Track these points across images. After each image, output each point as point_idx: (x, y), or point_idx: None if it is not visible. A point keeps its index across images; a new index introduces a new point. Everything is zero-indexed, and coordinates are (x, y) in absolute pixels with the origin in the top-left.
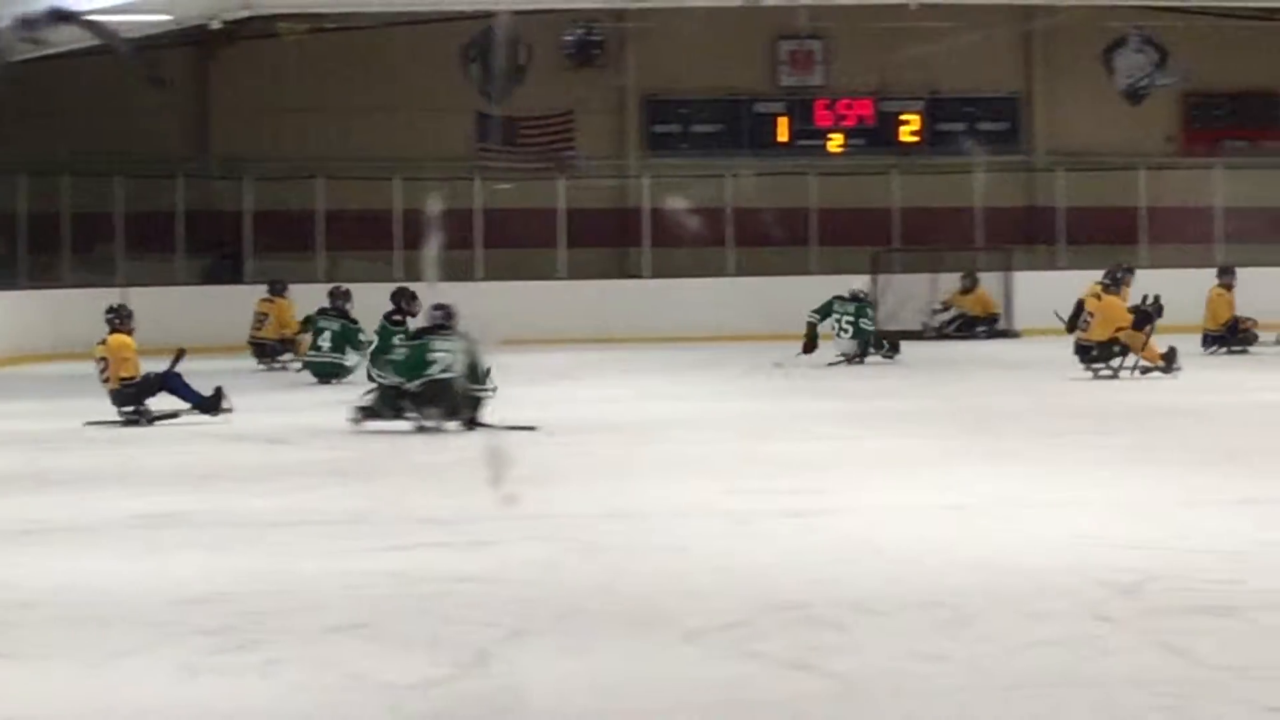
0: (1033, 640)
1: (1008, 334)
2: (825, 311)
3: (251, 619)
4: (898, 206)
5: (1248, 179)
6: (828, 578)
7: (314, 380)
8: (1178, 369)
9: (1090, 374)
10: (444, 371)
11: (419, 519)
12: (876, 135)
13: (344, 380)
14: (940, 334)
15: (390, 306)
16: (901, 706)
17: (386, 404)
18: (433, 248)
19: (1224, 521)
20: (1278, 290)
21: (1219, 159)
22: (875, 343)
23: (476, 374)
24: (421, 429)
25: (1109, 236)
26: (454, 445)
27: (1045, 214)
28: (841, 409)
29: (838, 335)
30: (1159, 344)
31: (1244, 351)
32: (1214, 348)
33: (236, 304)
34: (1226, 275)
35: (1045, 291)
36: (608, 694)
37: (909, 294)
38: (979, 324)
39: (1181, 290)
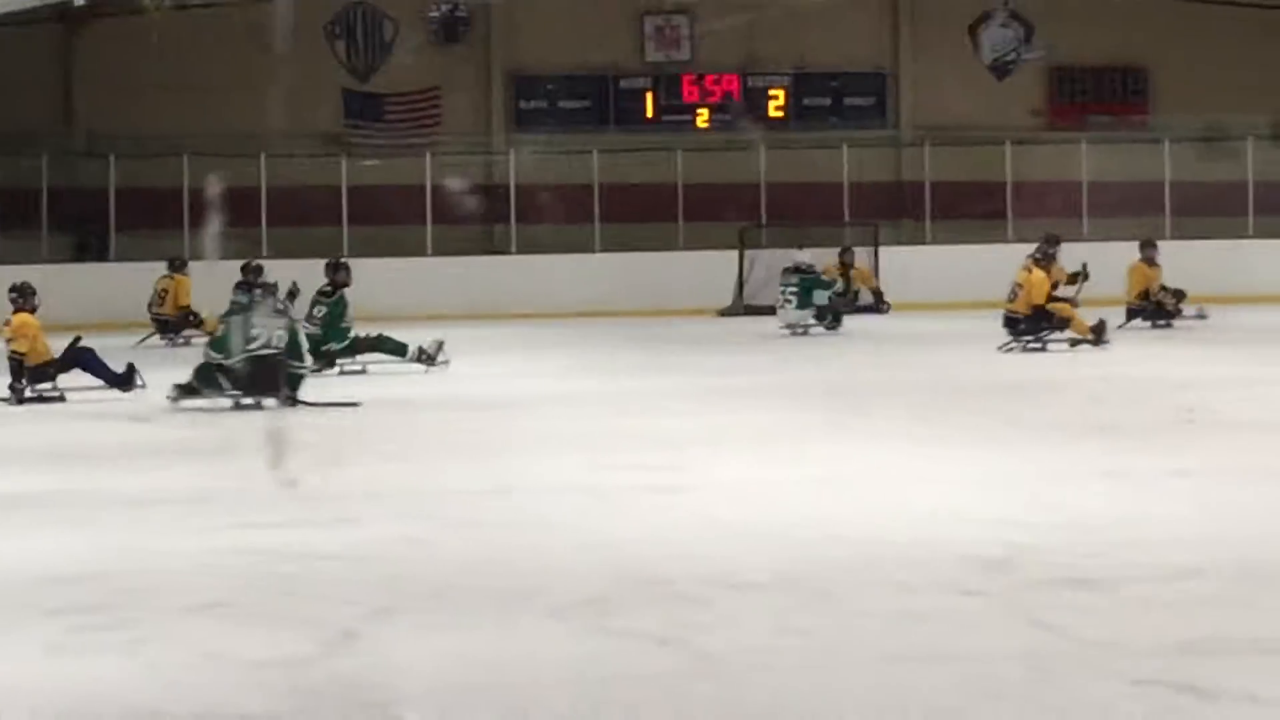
0: (900, 614)
1: (879, 308)
2: (785, 284)
3: (114, 598)
4: (765, 182)
5: (1113, 153)
6: (693, 553)
7: None
8: (1106, 342)
9: (1019, 346)
10: (264, 348)
11: (285, 497)
12: (744, 110)
13: None
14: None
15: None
16: (768, 681)
17: (206, 381)
18: (214, 225)
19: (1092, 495)
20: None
21: (1085, 133)
22: (820, 314)
23: (298, 350)
24: (239, 406)
25: (976, 211)
26: (323, 423)
27: (912, 189)
28: (706, 384)
29: (783, 306)
30: (1089, 317)
31: (1168, 325)
32: (1134, 321)
33: (103, 281)
34: (1149, 249)
35: (912, 266)
36: (474, 670)
37: (776, 268)
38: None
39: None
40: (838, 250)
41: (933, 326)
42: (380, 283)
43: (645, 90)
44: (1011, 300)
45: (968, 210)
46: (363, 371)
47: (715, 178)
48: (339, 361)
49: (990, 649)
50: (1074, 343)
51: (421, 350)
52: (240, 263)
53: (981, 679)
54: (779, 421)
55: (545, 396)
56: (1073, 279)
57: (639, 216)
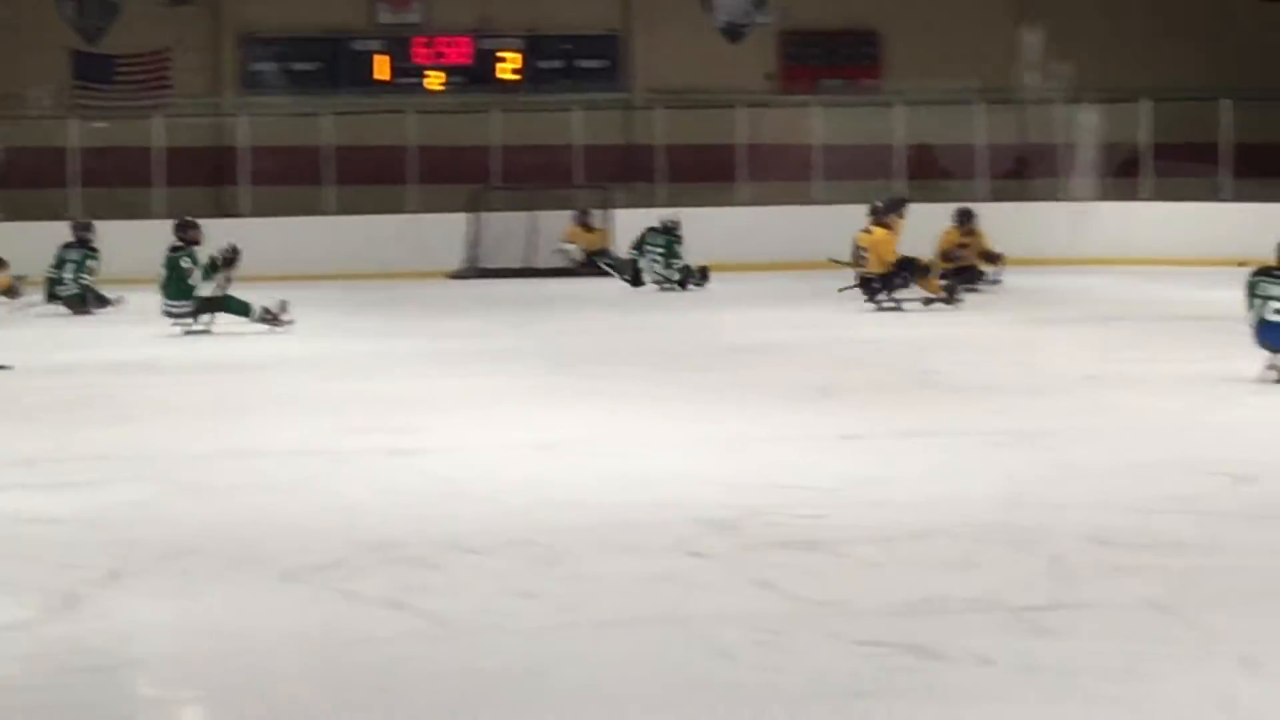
0: (628, 577)
1: (618, 271)
2: (640, 245)
3: None
4: (498, 145)
5: (845, 117)
6: (426, 516)
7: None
8: (959, 300)
9: (874, 306)
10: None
11: (10, 461)
12: (476, 73)
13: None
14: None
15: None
16: (497, 644)
17: None
18: None
19: (822, 457)
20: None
21: (817, 97)
22: (686, 272)
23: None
24: None
25: (708, 174)
26: (42, 385)
27: (644, 152)
28: (443, 348)
29: (650, 264)
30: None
31: (974, 290)
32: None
33: None
34: (967, 220)
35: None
36: (205, 635)
37: (508, 231)
38: (600, 261)
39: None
40: (573, 214)
41: (670, 289)
42: (112, 245)
43: (377, 53)
44: (860, 264)
45: (699, 173)
46: (207, 332)
47: (447, 141)
48: (181, 321)
49: (718, 610)
50: (927, 301)
51: (266, 310)
52: None
53: (707, 641)
54: (515, 385)
55: (281, 360)
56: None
57: (372, 179)
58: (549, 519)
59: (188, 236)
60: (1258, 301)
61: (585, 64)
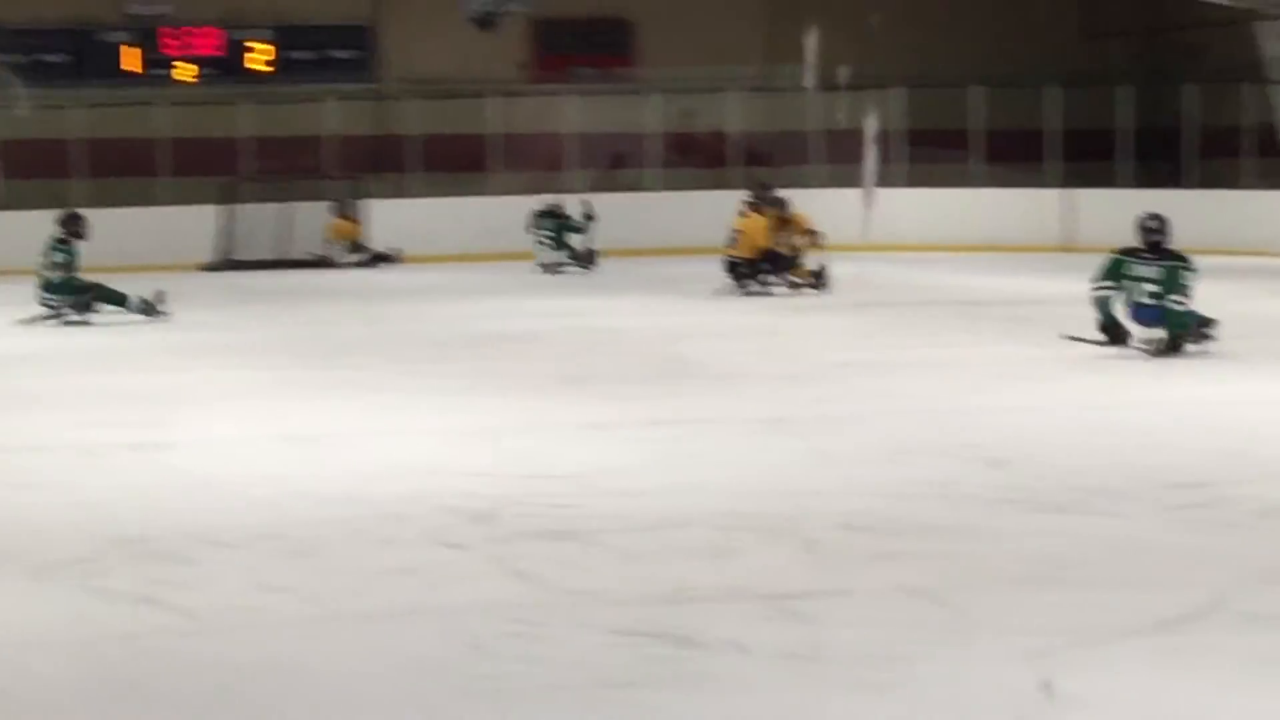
0: (381, 570)
1: (387, 259)
2: (530, 228)
3: None
4: (249, 136)
5: (598, 105)
6: (173, 510)
7: None
8: (828, 284)
9: (741, 289)
10: None
11: None
12: (227, 64)
13: None
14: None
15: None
16: (251, 638)
17: None
18: None
19: (575, 446)
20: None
21: (570, 86)
22: (574, 255)
23: None
24: None
25: (461, 164)
26: None
27: (397, 142)
28: (195, 340)
29: (539, 249)
30: (813, 262)
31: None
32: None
33: None
34: (780, 206)
35: (397, 219)
36: None
37: (260, 222)
38: (360, 253)
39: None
40: (331, 206)
41: (424, 279)
42: None
43: (125, 44)
44: (732, 246)
45: (452, 163)
46: (86, 323)
47: (199, 132)
48: (62, 311)
49: (472, 601)
50: (794, 285)
51: (144, 301)
52: None
53: (463, 633)
54: (265, 377)
55: (23, 354)
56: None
57: (122, 171)
58: (300, 512)
59: (75, 230)
60: (1128, 283)
61: (337, 54)
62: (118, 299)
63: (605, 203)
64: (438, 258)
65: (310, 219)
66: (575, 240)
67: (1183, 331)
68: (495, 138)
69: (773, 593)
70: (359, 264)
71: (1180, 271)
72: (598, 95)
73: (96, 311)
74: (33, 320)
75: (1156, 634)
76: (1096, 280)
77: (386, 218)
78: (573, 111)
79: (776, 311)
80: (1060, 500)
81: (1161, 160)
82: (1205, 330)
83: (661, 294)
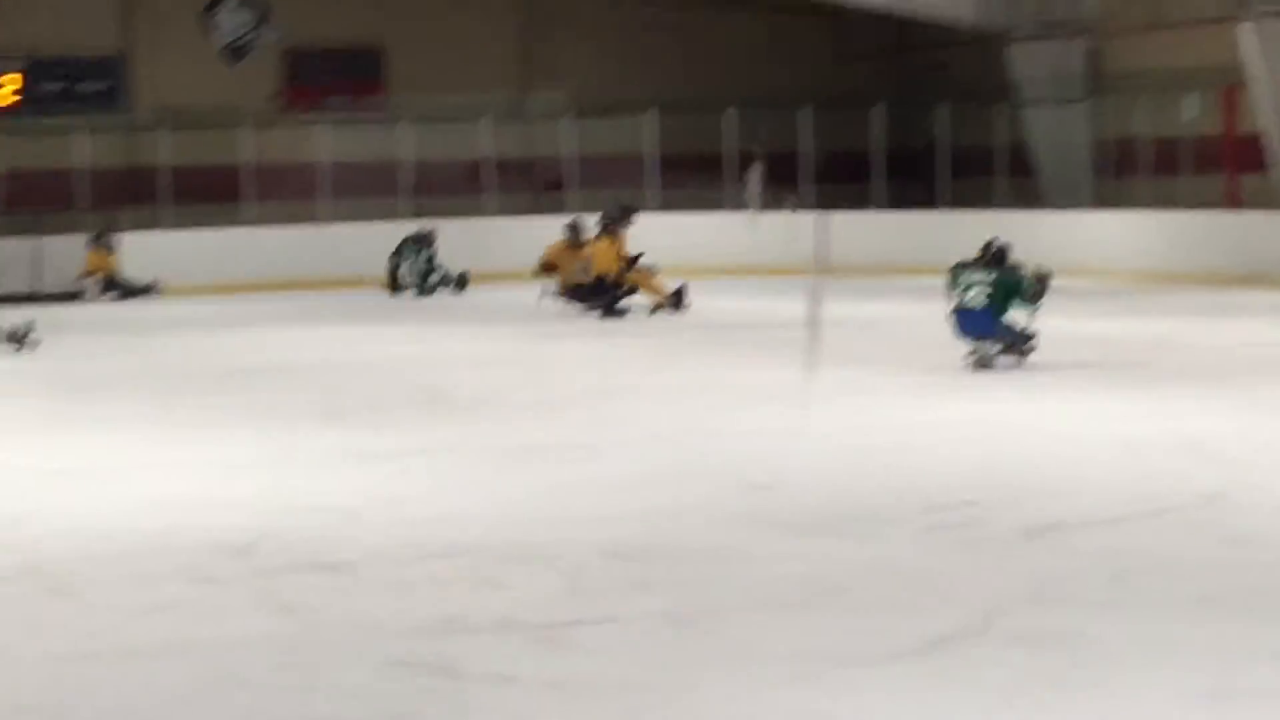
0: (143, 606)
1: (145, 291)
2: (398, 253)
3: None
4: None
5: (352, 134)
6: None
7: None
8: (686, 306)
9: (597, 313)
10: None
11: None
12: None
13: None
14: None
15: None
16: (7, 679)
17: None
18: None
19: (337, 477)
20: (372, 244)
21: (322, 116)
22: (444, 280)
23: None
24: None
25: (214, 194)
26: None
27: (149, 174)
28: None
29: (409, 272)
30: (670, 282)
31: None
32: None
33: None
34: (576, 232)
35: (151, 251)
36: None
37: (12, 257)
38: (115, 286)
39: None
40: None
41: (180, 311)
42: None
43: None
44: (585, 272)
45: (205, 194)
46: None
47: None
48: None
49: (236, 635)
50: (654, 309)
51: (13, 331)
52: None
53: (225, 666)
54: (22, 412)
55: None
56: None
57: None
58: (57, 548)
59: None
60: (958, 289)
61: (87, 86)
62: None
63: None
64: (193, 289)
65: (63, 253)
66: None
67: (1007, 341)
68: (249, 168)
69: (539, 622)
70: (115, 297)
71: (1010, 283)
72: (349, 124)
73: None
74: None
75: (924, 655)
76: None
77: (140, 250)
78: (325, 141)
79: (533, 339)
80: (822, 523)
81: (915, 181)
82: (1026, 345)
83: (420, 323)
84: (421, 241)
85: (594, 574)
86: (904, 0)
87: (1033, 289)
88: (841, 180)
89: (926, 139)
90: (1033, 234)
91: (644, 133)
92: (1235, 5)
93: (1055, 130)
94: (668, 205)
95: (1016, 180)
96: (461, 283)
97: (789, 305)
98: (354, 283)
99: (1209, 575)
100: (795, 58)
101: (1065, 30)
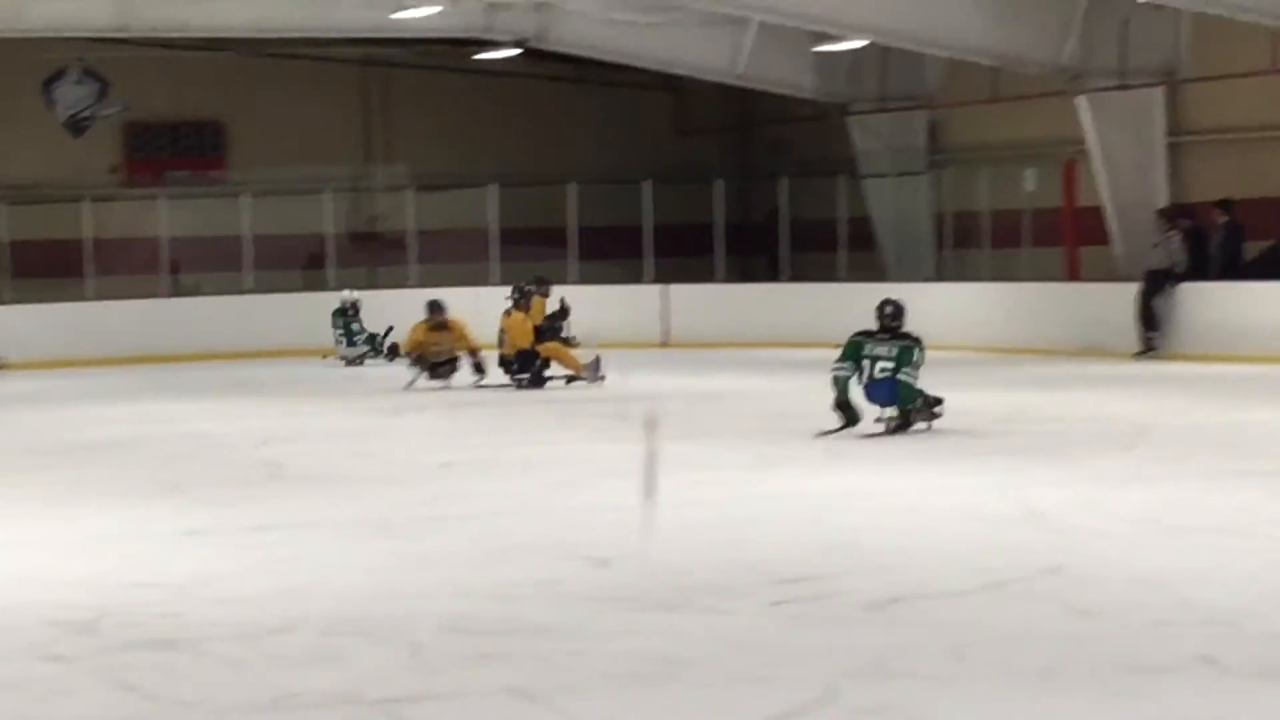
0: None
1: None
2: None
3: None
4: None
5: (194, 208)
6: None
7: None
8: (601, 378)
9: (515, 385)
10: None
11: None
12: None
13: None
14: None
15: None
16: None
17: None
18: None
19: (170, 554)
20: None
21: (162, 189)
22: (375, 347)
23: None
24: None
25: (55, 269)
26: None
27: None
28: None
29: (338, 344)
30: (584, 355)
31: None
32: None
33: None
34: (438, 311)
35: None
36: None
37: None
38: None
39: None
40: None
41: (17, 386)
42: None
43: None
44: (500, 346)
45: (45, 269)
46: None
47: None
48: None
49: (78, 715)
50: (569, 379)
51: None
52: None
53: None
54: None
55: None
56: (554, 317)
57: None
58: None
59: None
60: (866, 363)
61: None
62: None
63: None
64: (35, 364)
65: None
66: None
67: (913, 407)
68: (89, 243)
69: (381, 698)
70: None
71: (912, 350)
72: (189, 198)
73: None
74: None
75: None
76: (836, 361)
77: None
78: (165, 214)
79: (374, 414)
80: (666, 598)
81: (758, 254)
82: (934, 408)
83: (257, 396)
84: (348, 312)
85: (436, 649)
86: (745, 73)
87: (922, 356)
88: (684, 254)
89: (769, 212)
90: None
91: (486, 207)
92: (1072, 79)
93: (896, 203)
94: (509, 279)
95: (859, 253)
96: (393, 351)
97: (639, 378)
98: (199, 356)
99: (1051, 648)
100: (637, 132)
101: (906, 103)
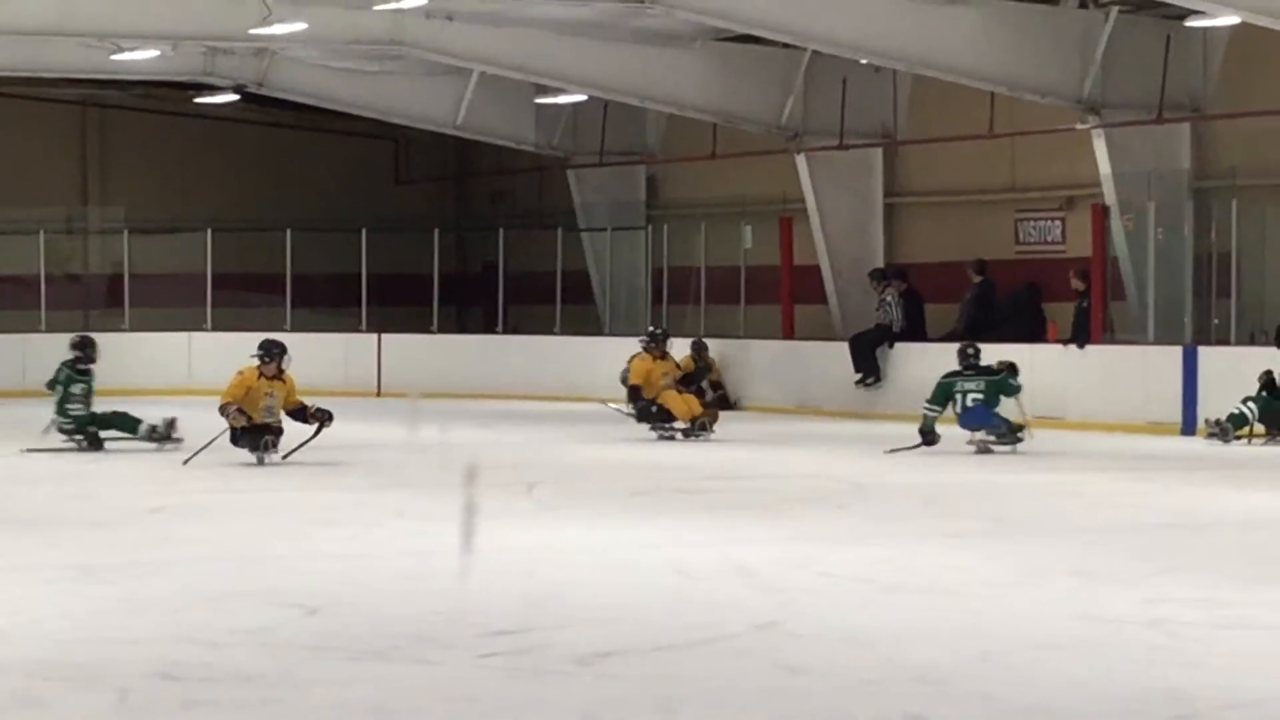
0: None
1: None
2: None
3: None
4: None
5: None
6: None
7: None
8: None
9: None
10: None
11: None
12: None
13: None
14: None
15: None
16: None
17: None
18: None
19: None
20: None
21: None
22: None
23: None
24: None
25: None
26: None
27: None
28: None
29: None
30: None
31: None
32: None
33: None
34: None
35: None
36: None
37: None
38: None
39: None
40: None
41: None
42: None
43: None
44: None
45: None
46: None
47: None
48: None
49: None
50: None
51: (154, 428)
52: None
53: None
54: None
55: None
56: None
57: None
58: None
59: (92, 355)
60: (958, 396)
61: None
62: (131, 425)
63: None
64: None
65: None
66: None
67: (1005, 431)
68: None
69: None
70: None
71: (1007, 378)
72: None
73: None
74: None
75: None
76: (927, 402)
77: None
78: None
79: (85, 458)
80: (376, 647)
81: (474, 305)
82: (1018, 434)
83: None
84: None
85: (145, 695)
86: (465, 124)
87: (1017, 383)
88: (401, 304)
89: (486, 263)
90: (591, 360)
91: (200, 251)
92: (791, 138)
93: (615, 256)
94: (220, 325)
95: (576, 306)
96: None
97: (350, 427)
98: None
99: (761, 704)
100: (356, 179)
101: (626, 157)
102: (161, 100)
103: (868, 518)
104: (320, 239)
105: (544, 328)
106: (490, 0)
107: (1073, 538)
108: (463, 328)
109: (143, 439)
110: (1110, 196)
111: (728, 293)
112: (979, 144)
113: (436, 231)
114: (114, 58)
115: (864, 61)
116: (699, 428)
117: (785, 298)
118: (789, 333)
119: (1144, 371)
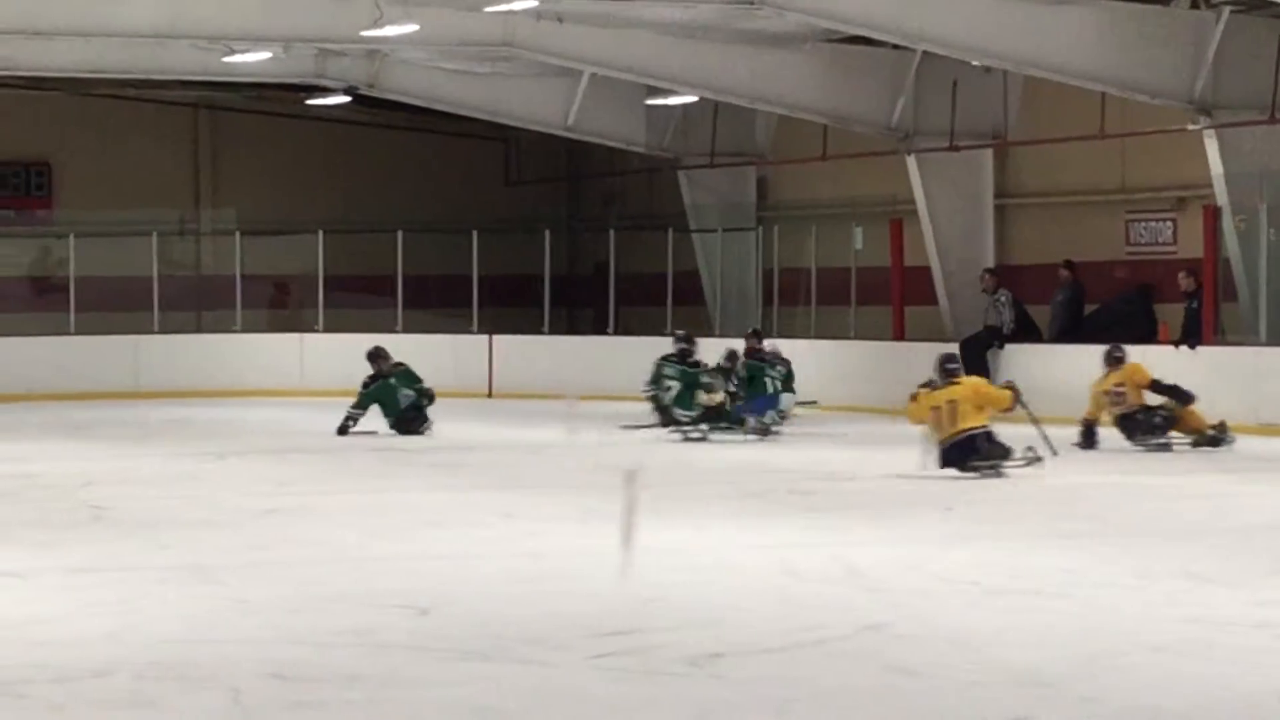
0: None
1: None
2: None
3: None
4: None
5: (18, 247)
6: None
7: None
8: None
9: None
10: None
11: None
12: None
13: None
14: None
15: None
16: None
17: None
18: None
19: None
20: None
21: None
22: None
23: None
24: None
25: None
26: None
27: None
28: None
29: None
30: None
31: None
32: None
33: None
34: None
35: None
36: None
37: None
38: None
39: None
40: None
41: None
42: None
43: None
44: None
45: None
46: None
47: None
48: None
49: None
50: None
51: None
52: None
53: None
54: None
55: None
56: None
57: None
58: None
59: (384, 369)
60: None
61: None
62: None
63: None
64: None
65: None
66: None
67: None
68: None
69: None
70: None
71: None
72: (13, 237)
73: None
74: None
75: None
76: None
77: None
78: None
79: (198, 458)
80: (484, 648)
81: (585, 307)
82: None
83: (89, 439)
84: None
85: (257, 695)
86: (575, 125)
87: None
88: (512, 304)
89: (597, 264)
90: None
91: (312, 253)
92: (901, 139)
93: (725, 258)
94: (333, 326)
95: (686, 307)
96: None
97: (463, 427)
98: (22, 397)
99: (874, 706)
100: (466, 181)
101: (736, 158)
102: (273, 102)
103: (975, 519)
104: (431, 240)
105: (655, 329)
106: (601, 1)
107: (1184, 539)
108: (574, 329)
109: None
110: (1222, 197)
111: (838, 294)
112: (1090, 145)
113: (547, 233)
114: (226, 60)
115: (974, 63)
116: None
117: (896, 299)
118: (899, 334)
119: (1256, 372)
